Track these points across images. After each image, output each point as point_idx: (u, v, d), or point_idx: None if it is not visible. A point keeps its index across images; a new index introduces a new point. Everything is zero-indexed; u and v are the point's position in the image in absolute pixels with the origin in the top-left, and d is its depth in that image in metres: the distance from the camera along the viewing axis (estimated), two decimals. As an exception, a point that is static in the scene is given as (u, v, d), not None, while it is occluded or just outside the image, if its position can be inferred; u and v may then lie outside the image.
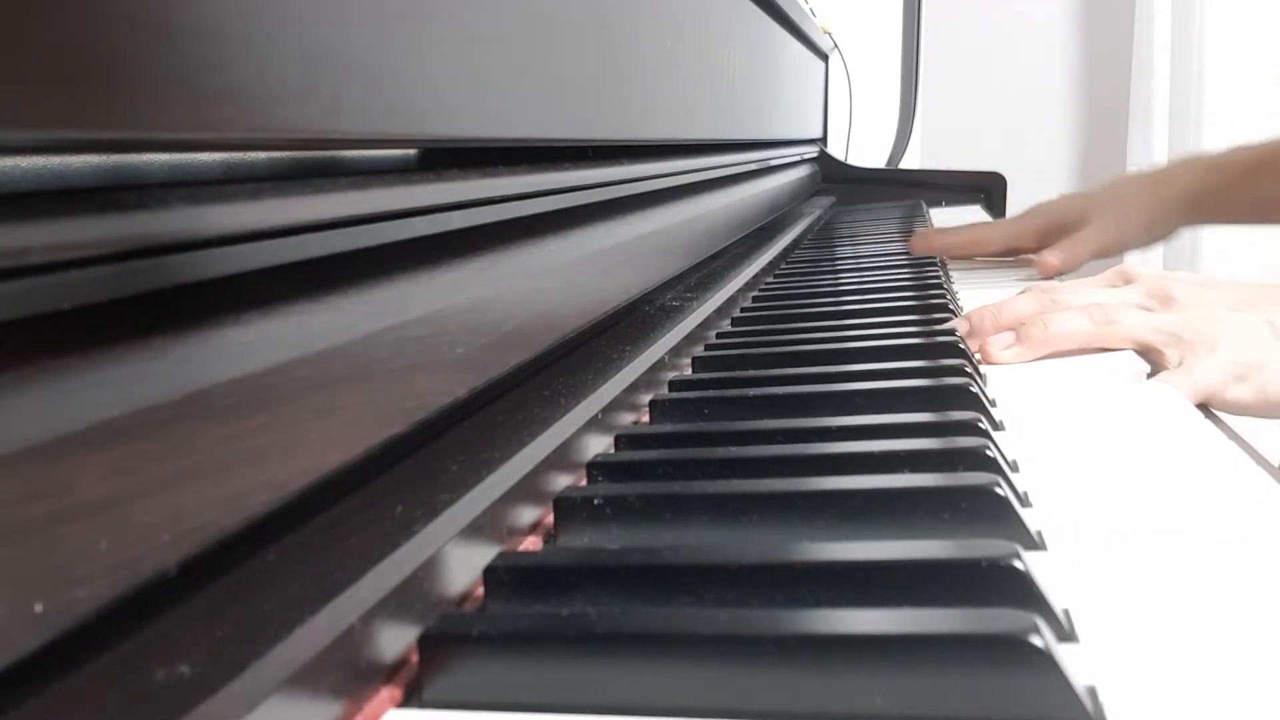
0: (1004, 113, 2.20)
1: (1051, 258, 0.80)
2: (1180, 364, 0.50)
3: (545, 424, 0.34)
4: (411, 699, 0.23)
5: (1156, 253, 2.07)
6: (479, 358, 0.33)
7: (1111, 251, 0.83)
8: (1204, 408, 0.47)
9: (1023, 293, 0.58)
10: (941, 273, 0.76)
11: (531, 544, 0.31)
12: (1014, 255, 0.91)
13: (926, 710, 0.21)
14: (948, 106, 2.20)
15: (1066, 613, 0.24)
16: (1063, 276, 0.79)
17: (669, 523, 0.31)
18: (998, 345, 0.53)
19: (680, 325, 0.53)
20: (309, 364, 0.24)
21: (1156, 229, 0.86)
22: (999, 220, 1.02)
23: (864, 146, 1.80)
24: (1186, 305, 0.53)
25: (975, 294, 0.72)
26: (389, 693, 0.23)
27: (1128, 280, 0.57)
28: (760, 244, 0.92)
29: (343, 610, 0.22)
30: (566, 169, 0.46)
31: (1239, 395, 0.50)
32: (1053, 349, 0.53)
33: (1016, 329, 0.53)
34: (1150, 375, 0.50)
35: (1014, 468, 0.35)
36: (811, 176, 1.47)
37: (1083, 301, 0.54)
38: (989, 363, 0.53)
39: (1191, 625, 0.24)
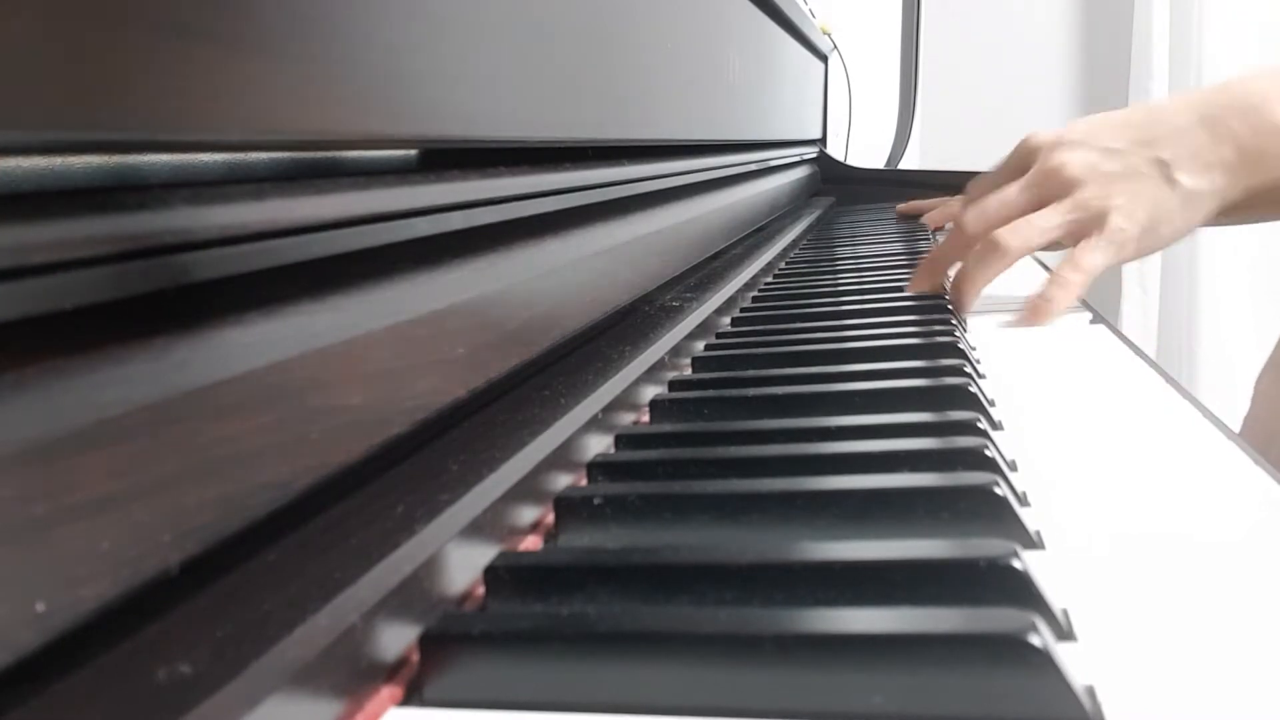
0: (1004, 113, 2.19)
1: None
2: (1070, 257, 0.61)
3: (545, 424, 0.34)
4: (413, 698, 0.23)
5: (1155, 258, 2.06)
6: (479, 358, 0.33)
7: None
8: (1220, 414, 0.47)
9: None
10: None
11: (532, 544, 0.31)
12: None
13: (925, 709, 0.21)
14: (948, 106, 2.20)
15: (1065, 612, 0.24)
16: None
17: (669, 522, 0.31)
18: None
19: (680, 325, 0.53)
20: (309, 364, 0.24)
21: None
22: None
23: (863, 147, 1.80)
24: (1075, 181, 0.62)
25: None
26: (390, 692, 0.23)
27: (1024, 160, 0.67)
28: (760, 244, 0.92)
29: (344, 609, 0.22)
30: (567, 169, 0.46)
31: (1126, 256, 0.62)
32: (980, 287, 0.64)
33: (954, 289, 0.65)
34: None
35: (1013, 467, 0.35)
36: (811, 177, 1.47)
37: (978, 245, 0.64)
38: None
39: (1190, 625, 0.24)
